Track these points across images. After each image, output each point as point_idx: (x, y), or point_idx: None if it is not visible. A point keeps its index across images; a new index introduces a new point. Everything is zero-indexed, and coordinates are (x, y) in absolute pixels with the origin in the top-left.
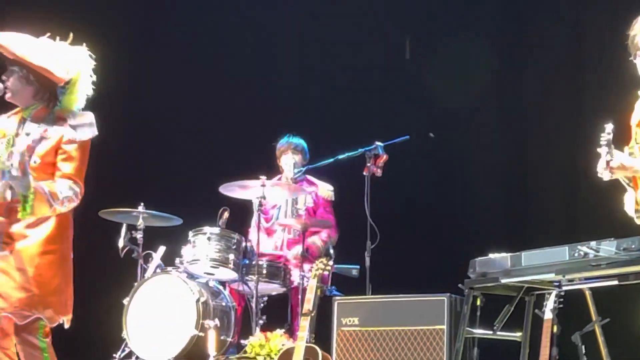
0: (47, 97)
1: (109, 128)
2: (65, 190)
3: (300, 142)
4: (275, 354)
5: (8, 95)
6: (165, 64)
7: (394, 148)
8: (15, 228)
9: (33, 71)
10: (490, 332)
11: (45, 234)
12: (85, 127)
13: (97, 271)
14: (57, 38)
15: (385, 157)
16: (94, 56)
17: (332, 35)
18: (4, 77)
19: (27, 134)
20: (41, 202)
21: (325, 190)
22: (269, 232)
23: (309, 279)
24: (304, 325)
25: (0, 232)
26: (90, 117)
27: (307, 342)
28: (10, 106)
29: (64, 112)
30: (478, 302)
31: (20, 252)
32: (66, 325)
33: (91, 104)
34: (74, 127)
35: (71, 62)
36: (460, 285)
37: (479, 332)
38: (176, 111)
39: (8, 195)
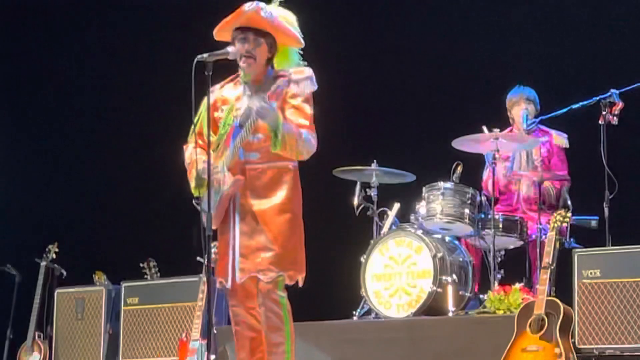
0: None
1: (340, 87)
2: (305, 134)
3: (531, 92)
4: (515, 308)
5: (246, 64)
6: (389, 20)
7: (631, 95)
8: (253, 188)
9: (276, 40)
10: None
11: (281, 195)
12: (306, 81)
13: (333, 230)
14: None
15: (621, 104)
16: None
17: None
18: (245, 45)
19: (249, 96)
20: (291, 135)
21: (560, 137)
22: (504, 185)
23: (546, 231)
24: (544, 278)
25: (236, 194)
26: (309, 71)
27: (547, 296)
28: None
29: (281, 70)
30: None
31: (258, 213)
32: (300, 284)
33: (322, 64)
34: (296, 82)
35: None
36: None
37: None
38: (405, 66)
39: (241, 154)
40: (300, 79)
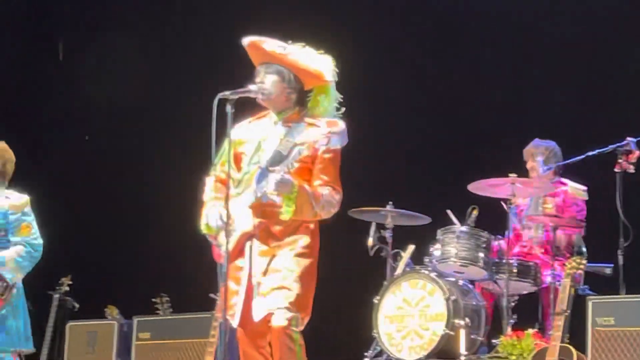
0: (297, 101)
1: (358, 128)
2: (327, 194)
3: (550, 143)
4: (528, 354)
5: (262, 98)
6: (405, 63)
7: None
8: (274, 231)
9: (295, 74)
10: None
11: (303, 240)
12: (338, 135)
13: (347, 270)
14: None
15: (637, 153)
16: (337, 69)
17: (582, 27)
18: (258, 80)
19: (280, 139)
20: (304, 201)
21: (576, 188)
22: (518, 234)
23: (560, 277)
24: (558, 324)
25: (255, 234)
26: (341, 124)
27: (561, 342)
28: (247, 110)
29: (315, 118)
30: None
31: (280, 256)
32: (301, 328)
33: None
34: (328, 135)
35: (326, 67)
36: None
37: None
38: (424, 109)
39: (264, 197)
40: (332, 132)
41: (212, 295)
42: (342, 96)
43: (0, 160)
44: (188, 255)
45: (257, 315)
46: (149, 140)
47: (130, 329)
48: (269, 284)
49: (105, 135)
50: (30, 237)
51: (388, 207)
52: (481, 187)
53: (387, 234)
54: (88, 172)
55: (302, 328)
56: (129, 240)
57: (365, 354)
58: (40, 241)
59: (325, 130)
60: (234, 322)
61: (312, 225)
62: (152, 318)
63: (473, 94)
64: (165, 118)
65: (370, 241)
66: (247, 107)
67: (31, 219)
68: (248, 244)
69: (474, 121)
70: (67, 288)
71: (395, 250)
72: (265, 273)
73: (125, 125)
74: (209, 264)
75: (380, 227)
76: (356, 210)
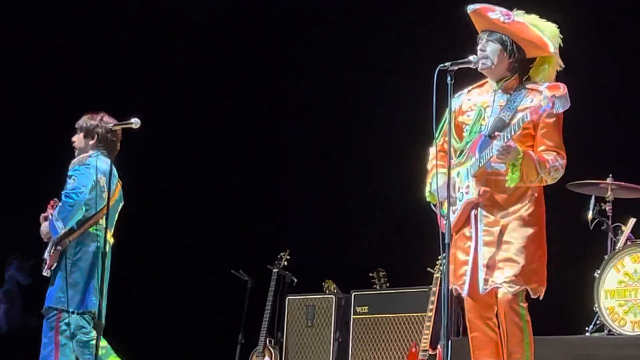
0: (518, 68)
1: (579, 99)
2: (552, 159)
3: None
4: None
5: (482, 66)
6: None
7: None
8: (499, 200)
9: (518, 44)
10: None
11: (527, 208)
12: (561, 99)
13: (567, 244)
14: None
15: None
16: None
17: None
18: (479, 47)
19: (500, 106)
20: (529, 168)
21: None
22: None
23: None
24: None
25: (480, 203)
26: (563, 88)
27: None
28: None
29: (536, 83)
30: None
31: (504, 226)
32: (541, 297)
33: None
34: (550, 100)
35: (551, 37)
36: None
37: None
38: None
39: (488, 165)
40: (555, 96)
41: (429, 269)
42: (564, 65)
43: (103, 131)
44: (405, 230)
45: (483, 288)
46: (371, 113)
47: (348, 303)
48: (496, 257)
49: (327, 110)
50: (66, 189)
51: (608, 180)
52: None
53: (607, 208)
54: (309, 147)
55: (541, 296)
56: (347, 215)
57: (586, 328)
58: (77, 190)
59: (547, 94)
60: (464, 292)
61: (535, 193)
62: (369, 292)
63: None
64: (387, 91)
65: (590, 215)
66: (465, 75)
67: (77, 173)
68: (473, 212)
69: None
70: (286, 263)
71: (616, 224)
72: (492, 245)
73: (348, 100)
74: (427, 238)
75: (600, 200)
76: (575, 183)
